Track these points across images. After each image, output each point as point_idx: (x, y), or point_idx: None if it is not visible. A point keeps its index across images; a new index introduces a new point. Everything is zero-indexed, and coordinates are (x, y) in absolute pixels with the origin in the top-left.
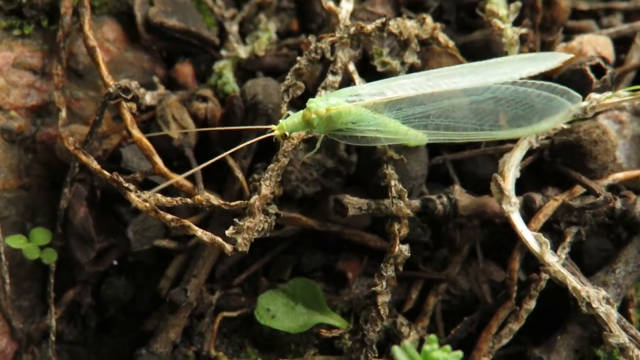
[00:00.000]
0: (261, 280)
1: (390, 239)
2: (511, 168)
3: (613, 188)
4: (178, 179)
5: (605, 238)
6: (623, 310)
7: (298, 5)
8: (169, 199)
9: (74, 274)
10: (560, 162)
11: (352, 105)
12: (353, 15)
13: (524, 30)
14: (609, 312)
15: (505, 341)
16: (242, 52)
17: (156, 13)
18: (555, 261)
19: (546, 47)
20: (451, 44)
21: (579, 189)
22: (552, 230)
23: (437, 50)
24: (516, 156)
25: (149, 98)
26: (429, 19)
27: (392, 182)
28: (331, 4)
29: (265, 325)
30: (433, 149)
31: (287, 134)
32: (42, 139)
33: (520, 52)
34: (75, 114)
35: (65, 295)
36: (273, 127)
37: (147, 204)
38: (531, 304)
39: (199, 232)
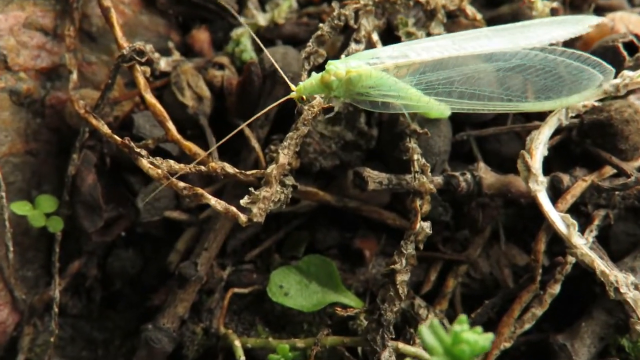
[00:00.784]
0: (274, 257)
1: (411, 215)
2: (539, 145)
3: None
4: (197, 150)
5: (633, 223)
6: None
7: None
8: (181, 165)
9: (80, 245)
10: (589, 142)
11: (372, 68)
12: None
13: (554, 5)
14: (637, 299)
15: (527, 326)
16: (262, 19)
17: None
18: (582, 244)
19: None
20: (479, 16)
21: (608, 170)
22: (579, 213)
23: (464, 23)
24: (544, 133)
25: (163, 64)
26: None
27: (415, 156)
28: None
29: (278, 302)
30: (457, 125)
31: (305, 97)
32: (52, 103)
33: None
34: (87, 78)
35: (70, 266)
36: (293, 87)
37: (159, 171)
38: (556, 289)
39: (213, 200)
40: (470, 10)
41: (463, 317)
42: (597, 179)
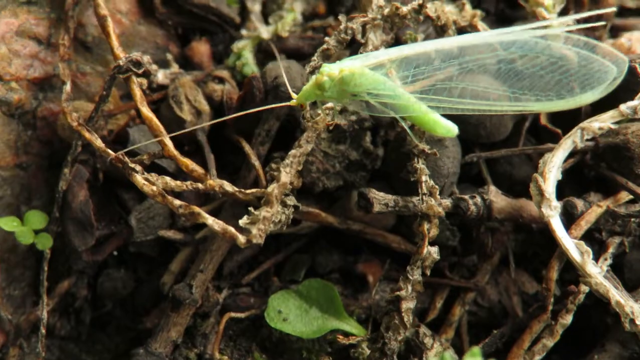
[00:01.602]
0: (272, 280)
1: (418, 239)
2: (552, 169)
3: None
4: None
5: None
6: None
7: None
8: (178, 182)
9: (69, 263)
10: (604, 166)
11: (365, 65)
12: None
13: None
14: None
15: (538, 358)
16: (265, 32)
17: None
18: (597, 272)
19: None
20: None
21: (623, 196)
22: (593, 240)
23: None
24: (558, 156)
25: (161, 76)
26: (468, 5)
27: (423, 178)
28: None
29: (276, 328)
30: (466, 146)
31: (304, 105)
32: (43, 115)
33: None
34: (81, 89)
35: (59, 285)
36: (294, 95)
37: (154, 188)
38: (568, 319)
39: (210, 220)
40: (481, 26)
41: (476, 349)
42: (613, 205)
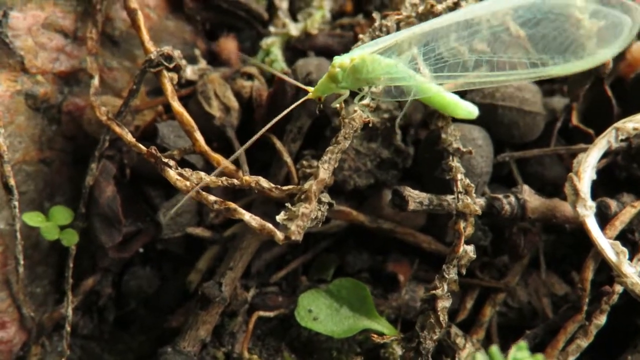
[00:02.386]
0: (300, 279)
1: (454, 238)
2: (587, 168)
3: None
4: (225, 162)
5: None
6: None
7: None
8: (213, 178)
9: (94, 261)
10: (636, 167)
11: (374, 50)
12: None
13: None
14: None
15: (571, 358)
16: (293, 29)
17: None
18: (632, 272)
19: None
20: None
21: None
22: (626, 240)
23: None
24: (593, 155)
25: (189, 72)
26: None
27: (459, 176)
28: None
29: (307, 327)
30: (497, 146)
31: (321, 98)
32: (69, 109)
33: None
34: (107, 84)
35: (83, 283)
36: (310, 89)
37: (188, 183)
38: (602, 319)
39: (247, 215)
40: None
41: (522, 343)
42: None
